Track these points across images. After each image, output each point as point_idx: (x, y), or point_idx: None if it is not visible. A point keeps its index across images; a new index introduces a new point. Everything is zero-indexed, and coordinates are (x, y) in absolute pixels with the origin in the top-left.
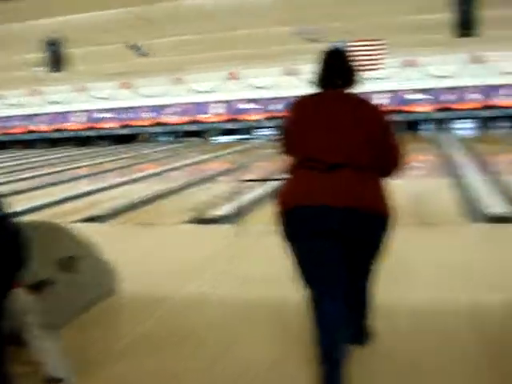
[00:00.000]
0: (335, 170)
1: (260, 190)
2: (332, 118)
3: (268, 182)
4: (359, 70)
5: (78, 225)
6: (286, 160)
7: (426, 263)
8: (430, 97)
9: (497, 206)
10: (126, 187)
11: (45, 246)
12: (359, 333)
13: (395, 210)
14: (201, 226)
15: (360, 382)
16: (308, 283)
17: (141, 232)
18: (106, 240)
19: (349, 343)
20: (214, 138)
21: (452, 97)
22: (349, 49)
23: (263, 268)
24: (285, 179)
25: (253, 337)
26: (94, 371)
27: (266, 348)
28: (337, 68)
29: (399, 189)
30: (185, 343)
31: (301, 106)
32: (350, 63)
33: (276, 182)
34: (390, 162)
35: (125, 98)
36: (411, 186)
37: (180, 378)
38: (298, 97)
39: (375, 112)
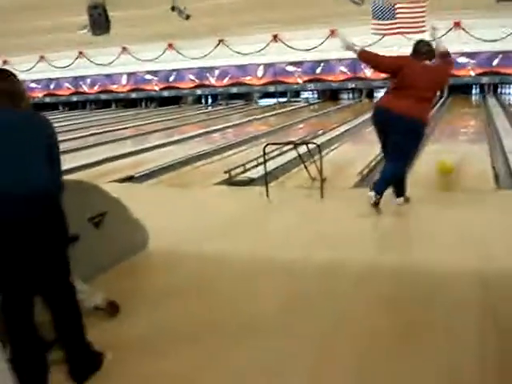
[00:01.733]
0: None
1: (292, 153)
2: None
3: (300, 146)
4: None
5: (116, 184)
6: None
7: (447, 226)
8: (475, 61)
9: None
10: (167, 149)
11: (75, 204)
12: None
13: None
14: (233, 187)
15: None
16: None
17: (175, 193)
18: (140, 199)
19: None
20: (257, 101)
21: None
22: (392, 9)
23: (286, 230)
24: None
25: (263, 292)
26: (128, 317)
27: (272, 302)
28: None
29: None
30: (205, 294)
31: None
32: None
33: (307, 146)
34: None
35: (169, 61)
36: (453, 151)
37: (200, 323)
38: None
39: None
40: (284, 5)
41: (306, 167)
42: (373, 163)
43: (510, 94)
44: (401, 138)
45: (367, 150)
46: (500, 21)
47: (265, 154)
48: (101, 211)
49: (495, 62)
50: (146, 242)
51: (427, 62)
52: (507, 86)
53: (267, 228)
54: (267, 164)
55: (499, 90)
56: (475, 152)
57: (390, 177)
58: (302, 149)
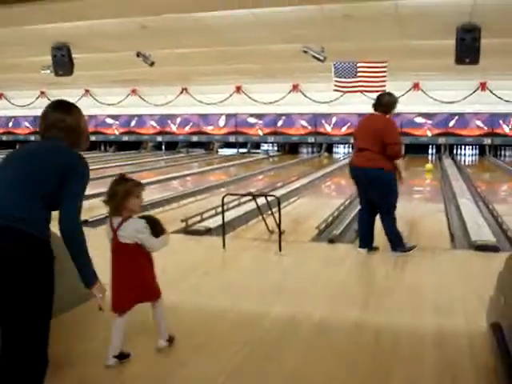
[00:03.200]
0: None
1: (251, 204)
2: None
3: (259, 198)
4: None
5: None
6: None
7: (405, 286)
8: (432, 122)
9: (484, 235)
10: None
11: None
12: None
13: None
14: (189, 236)
15: None
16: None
17: None
18: (92, 246)
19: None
20: (218, 150)
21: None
22: (354, 68)
23: (242, 282)
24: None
25: (218, 343)
26: (53, 372)
27: (227, 353)
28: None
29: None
30: (150, 348)
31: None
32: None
33: (266, 198)
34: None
35: (131, 106)
36: (408, 210)
37: (141, 381)
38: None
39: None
40: (248, 57)
41: (264, 219)
42: (330, 218)
43: (465, 155)
44: (371, 191)
45: (325, 204)
46: (457, 83)
47: (223, 204)
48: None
49: (451, 124)
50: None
51: (378, 113)
52: (462, 147)
53: (223, 279)
54: (225, 214)
55: (455, 150)
56: (431, 211)
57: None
58: (261, 200)
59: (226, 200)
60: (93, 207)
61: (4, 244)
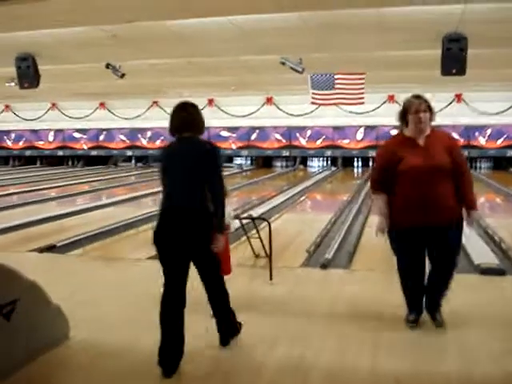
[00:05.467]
0: None
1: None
2: None
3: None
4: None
5: (35, 255)
6: None
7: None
8: None
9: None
10: (94, 213)
11: None
12: None
13: None
14: None
15: None
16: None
17: (100, 267)
18: (60, 275)
19: None
20: None
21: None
22: (331, 80)
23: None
24: None
25: None
26: None
27: None
28: None
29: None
30: None
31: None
32: None
33: (253, 222)
34: None
35: (99, 119)
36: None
37: None
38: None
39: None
40: (221, 69)
41: (250, 243)
42: (319, 238)
43: None
44: None
45: (310, 222)
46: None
47: None
48: (11, 298)
49: None
50: (66, 332)
51: None
52: None
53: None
54: None
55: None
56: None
57: None
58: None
59: None
60: (61, 230)
61: (191, 218)
